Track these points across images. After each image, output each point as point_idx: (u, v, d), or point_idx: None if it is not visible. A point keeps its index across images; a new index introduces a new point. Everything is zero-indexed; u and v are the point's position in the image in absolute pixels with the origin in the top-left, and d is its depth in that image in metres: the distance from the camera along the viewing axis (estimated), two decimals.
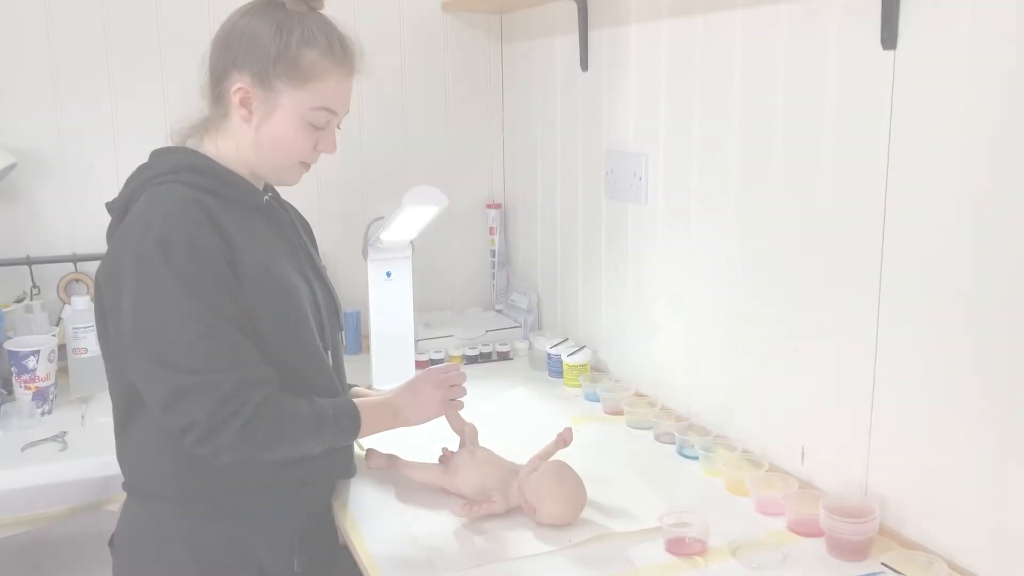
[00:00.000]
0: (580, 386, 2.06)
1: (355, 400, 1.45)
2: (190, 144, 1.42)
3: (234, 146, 1.39)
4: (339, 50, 1.37)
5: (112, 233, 1.36)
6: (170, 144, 1.42)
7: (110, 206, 1.39)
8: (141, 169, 1.38)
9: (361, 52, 1.43)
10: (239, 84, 1.35)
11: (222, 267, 1.28)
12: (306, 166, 1.45)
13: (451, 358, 2.31)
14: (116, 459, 1.42)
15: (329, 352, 1.49)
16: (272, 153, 1.39)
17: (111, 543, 1.44)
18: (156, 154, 1.41)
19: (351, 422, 1.41)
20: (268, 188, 1.51)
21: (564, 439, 1.51)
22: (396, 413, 1.51)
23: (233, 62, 1.35)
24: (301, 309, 1.40)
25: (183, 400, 1.24)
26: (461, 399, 1.59)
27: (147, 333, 1.25)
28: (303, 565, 1.43)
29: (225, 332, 1.26)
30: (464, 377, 1.60)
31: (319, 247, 2.42)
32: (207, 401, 1.23)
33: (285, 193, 1.61)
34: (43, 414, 1.93)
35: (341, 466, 1.52)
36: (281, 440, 1.30)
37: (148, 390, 1.28)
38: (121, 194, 1.37)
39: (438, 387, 1.55)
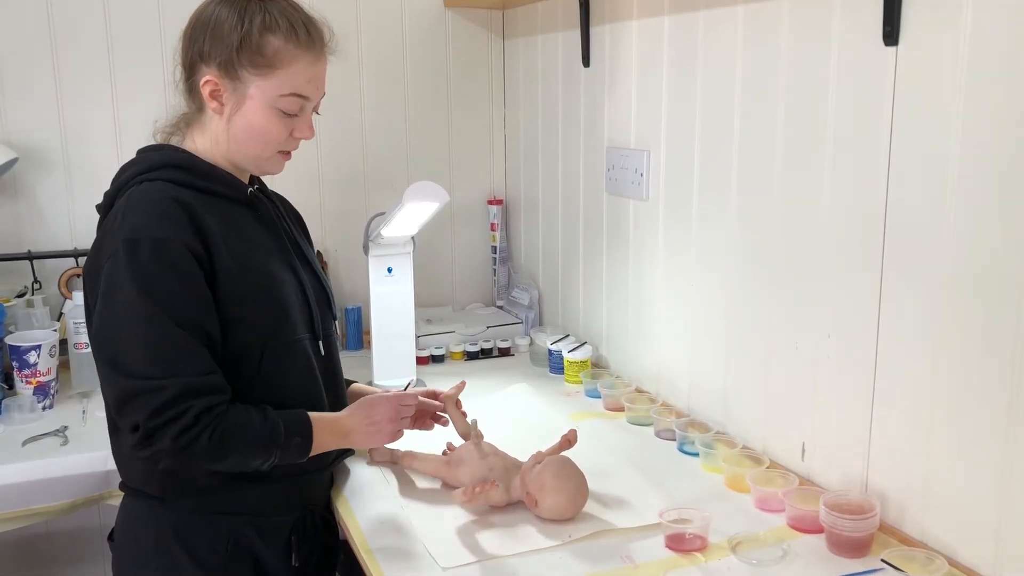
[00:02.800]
0: (581, 382, 2.06)
1: (310, 415, 1.38)
2: (175, 141, 1.41)
3: (212, 140, 1.38)
4: (304, 34, 1.34)
5: (99, 231, 1.36)
6: (155, 142, 1.42)
7: (98, 207, 1.39)
8: (126, 167, 1.37)
9: (331, 34, 1.40)
10: (207, 76, 1.33)
11: (190, 269, 1.26)
12: (287, 154, 1.42)
13: (452, 354, 2.32)
14: None
15: (321, 343, 1.47)
16: (247, 144, 1.37)
17: (110, 538, 1.45)
18: (141, 152, 1.40)
19: (303, 441, 1.35)
20: (254, 180, 1.50)
21: (569, 440, 1.51)
22: (346, 435, 1.44)
23: (200, 54, 1.34)
24: (283, 302, 1.38)
25: (129, 404, 1.23)
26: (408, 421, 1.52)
27: (104, 334, 1.25)
28: (301, 559, 1.43)
29: (178, 337, 1.24)
30: (415, 403, 1.52)
31: (320, 242, 2.43)
32: (148, 406, 1.21)
33: (284, 187, 1.61)
34: (44, 409, 1.93)
35: (336, 452, 1.52)
36: (224, 453, 1.27)
37: (103, 391, 1.28)
38: (106, 193, 1.37)
39: (392, 420, 1.46)
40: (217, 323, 1.30)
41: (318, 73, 1.37)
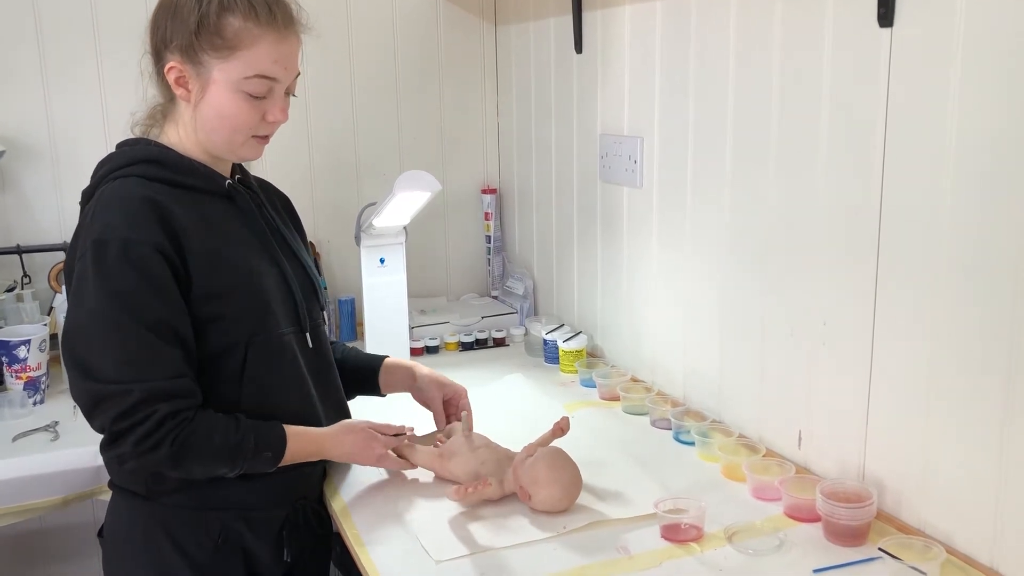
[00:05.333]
0: (576, 372, 2.05)
1: (287, 430, 1.36)
2: (153, 134, 1.38)
3: (185, 129, 1.35)
4: (264, 12, 1.28)
5: (78, 229, 1.34)
6: (132, 135, 1.39)
7: (80, 201, 1.37)
8: (102, 163, 1.35)
9: (299, 9, 1.34)
10: (171, 63, 1.29)
11: (158, 270, 1.24)
12: (263, 139, 1.37)
13: (446, 345, 2.30)
14: None
15: (308, 335, 1.45)
16: (217, 131, 1.33)
17: (100, 534, 1.43)
18: (119, 146, 1.38)
19: (273, 455, 1.34)
20: (236, 169, 1.46)
21: (561, 428, 1.49)
22: (325, 456, 1.44)
23: (163, 40, 1.30)
24: (263, 296, 1.36)
25: (96, 408, 1.23)
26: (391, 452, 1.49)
27: (72, 337, 1.24)
28: (293, 554, 1.42)
29: (146, 340, 1.23)
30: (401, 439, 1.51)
31: (312, 233, 2.41)
32: (113, 410, 1.21)
33: (274, 177, 1.59)
34: (35, 404, 1.91)
35: None
36: (185, 460, 1.26)
37: (72, 393, 1.27)
38: (84, 190, 1.35)
39: (382, 459, 1.47)
40: (190, 324, 1.28)
41: (285, 53, 1.31)
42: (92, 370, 1.22)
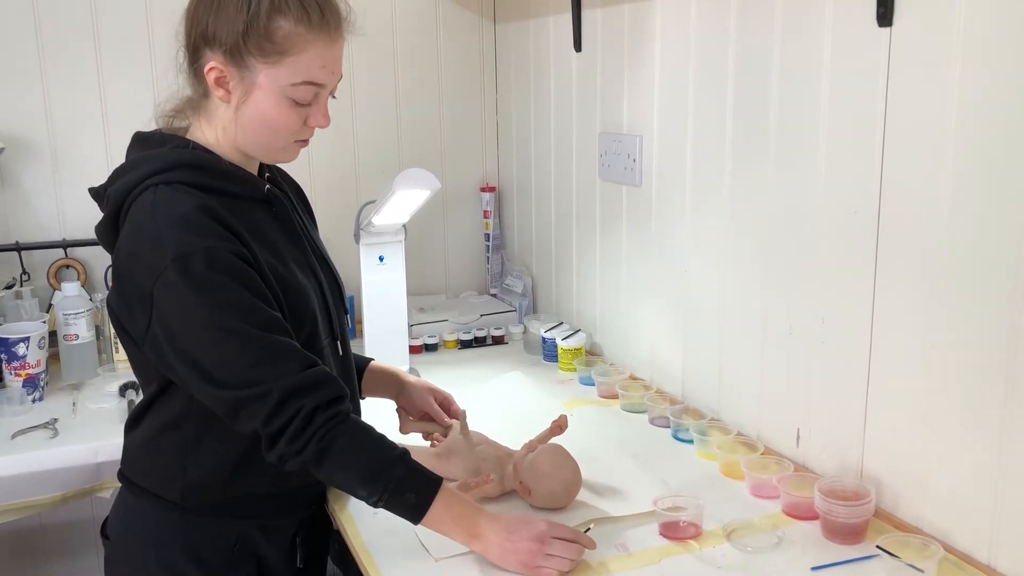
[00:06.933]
0: (575, 370, 2.05)
1: (444, 481, 1.25)
2: (176, 124, 1.32)
3: (221, 129, 1.28)
4: (316, 15, 1.20)
5: (103, 231, 1.28)
6: (155, 126, 1.32)
7: (96, 194, 1.31)
8: (136, 163, 1.26)
9: (348, 10, 1.27)
10: (212, 63, 1.21)
11: (245, 271, 1.20)
12: (302, 142, 1.31)
13: (445, 343, 2.30)
14: (108, 446, 1.38)
15: (339, 341, 1.41)
16: (258, 135, 1.26)
17: (103, 531, 1.41)
18: (143, 143, 1.30)
19: (417, 500, 1.22)
20: (264, 168, 1.40)
21: (560, 425, 1.49)
22: (476, 535, 1.24)
23: (203, 37, 1.22)
24: (311, 314, 1.32)
25: (240, 414, 1.18)
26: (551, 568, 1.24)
27: (190, 356, 1.18)
28: (305, 559, 1.41)
29: (263, 338, 1.18)
30: (580, 555, 1.26)
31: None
32: (260, 413, 1.17)
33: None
34: (34, 401, 1.91)
35: None
36: (327, 461, 1.19)
37: (213, 408, 1.22)
38: (113, 190, 1.26)
39: (534, 553, 1.22)
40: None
41: (334, 57, 1.24)
42: (225, 380, 1.17)
